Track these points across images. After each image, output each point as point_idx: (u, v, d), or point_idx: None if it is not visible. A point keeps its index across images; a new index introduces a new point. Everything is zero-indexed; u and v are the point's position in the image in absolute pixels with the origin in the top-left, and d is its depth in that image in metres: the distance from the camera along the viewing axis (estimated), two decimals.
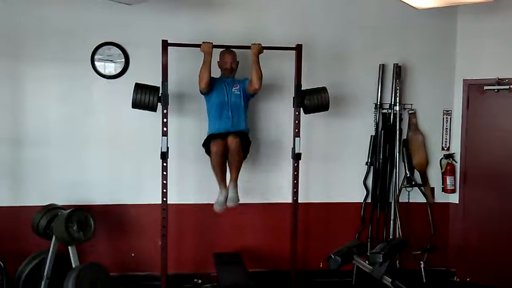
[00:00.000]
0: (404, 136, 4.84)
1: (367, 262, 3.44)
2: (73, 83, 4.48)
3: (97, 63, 4.47)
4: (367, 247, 4.57)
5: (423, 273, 4.69)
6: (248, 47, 4.15)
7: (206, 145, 4.12)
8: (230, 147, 3.96)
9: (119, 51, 4.48)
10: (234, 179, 4.09)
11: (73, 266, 3.95)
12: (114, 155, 4.57)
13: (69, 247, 3.98)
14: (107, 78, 4.50)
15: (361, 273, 4.29)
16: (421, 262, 4.71)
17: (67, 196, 4.46)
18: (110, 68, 4.50)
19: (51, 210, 4.08)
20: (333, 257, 3.39)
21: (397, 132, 4.75)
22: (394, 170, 4.79)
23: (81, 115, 4.51)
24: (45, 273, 3.98)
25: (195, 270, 4.65)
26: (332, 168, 4.81)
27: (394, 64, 4.73)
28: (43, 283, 3.96)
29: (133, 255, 4.64)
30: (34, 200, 4.37)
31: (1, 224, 4.44)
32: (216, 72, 4.26)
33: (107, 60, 4.49)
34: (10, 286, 4.06)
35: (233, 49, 4.24)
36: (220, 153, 3.97)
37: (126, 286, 4.53)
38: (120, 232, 4.62)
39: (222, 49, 4.23)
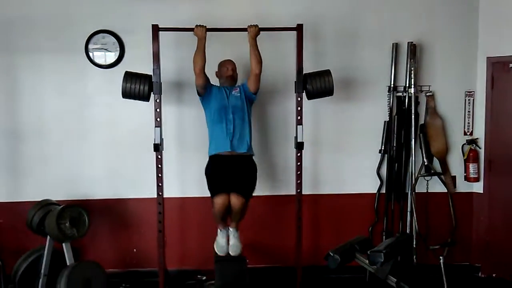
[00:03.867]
0: (421, 121, 4.47)
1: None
2: (67, 74, 4.35)
3: (91, 53, 4.31)
4: (372, 243, 4.23)
5: (442, 268, 4.32)
6: (245, 29, 3.87)
7: (209, 178, 3.87)
8: (234, 206, 3.74)
9: (114, 39, 4.31)
10: (235, 227, 3.93)
11: (68, 263, 3.83)
12: (113, 147, 4.43)
13: (63, 244, 3.85)
14: (103, 68, 4.34)
15: None
16: (440, 257, 4.34)
17: (66, 191, 4.36)
18: (106, 57, 4.33)
19: (44, 206, 3.96)
20: (331, 255, 3.08)
21: (413, 116, 4.37)
22: (410, 158, 4.42)
23: (78, 107, 4.38)
24: (42, 271, 3.89)
25: (199, 266, 4.44)
26: (343, 157, 4.51)
27: (408, 42, 4.35)
28: (40, 281, 3.88)
29: (135, 250, 4.50)
30: (32, 195, 4.26)
31: None
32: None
33: (102, 49, 4.32)
34: (7, 283, 4.00)
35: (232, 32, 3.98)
36: (224, 206, 3.76)
37: (128, 282, 4.37)
38: (121, 227, 4.48)
39: (221, 60, 4.04)
